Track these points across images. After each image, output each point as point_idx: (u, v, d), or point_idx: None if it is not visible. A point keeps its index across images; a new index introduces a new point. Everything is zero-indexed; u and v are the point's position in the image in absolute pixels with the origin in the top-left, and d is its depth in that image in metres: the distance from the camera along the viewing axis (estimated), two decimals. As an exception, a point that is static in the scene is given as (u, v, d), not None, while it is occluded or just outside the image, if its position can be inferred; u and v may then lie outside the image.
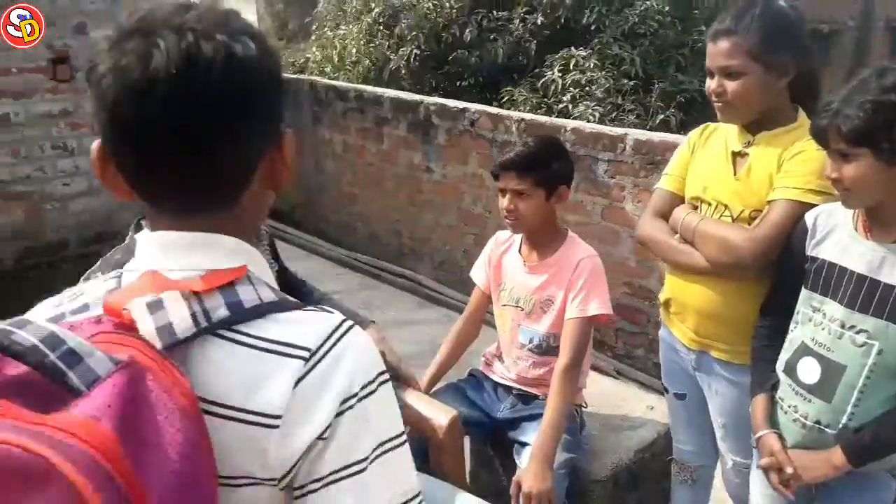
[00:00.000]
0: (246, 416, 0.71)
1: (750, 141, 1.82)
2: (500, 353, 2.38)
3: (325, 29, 7.93)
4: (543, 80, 6.31)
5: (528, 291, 2.24)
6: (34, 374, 0.61)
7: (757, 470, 1.76)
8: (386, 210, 4.96)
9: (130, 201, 0.78)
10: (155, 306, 0.70)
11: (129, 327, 0.69)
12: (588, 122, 5.48)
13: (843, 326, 1.56)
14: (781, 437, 1.68)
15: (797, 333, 1.67)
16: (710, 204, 1.85)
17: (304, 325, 0.75)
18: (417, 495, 0.76)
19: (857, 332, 1.54)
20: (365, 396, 0.74)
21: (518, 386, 2.30)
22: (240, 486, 0.73)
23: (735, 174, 1.82)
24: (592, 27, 6.55)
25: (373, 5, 7.23)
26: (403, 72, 6.86)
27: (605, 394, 2.64)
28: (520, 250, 2.30)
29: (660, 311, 2.10)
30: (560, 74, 6.24)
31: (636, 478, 2.31)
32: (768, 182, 1.76)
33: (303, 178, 5.63)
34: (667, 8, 6.04)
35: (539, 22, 6.58)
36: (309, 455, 0.71)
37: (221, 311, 0.72)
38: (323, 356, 0.73)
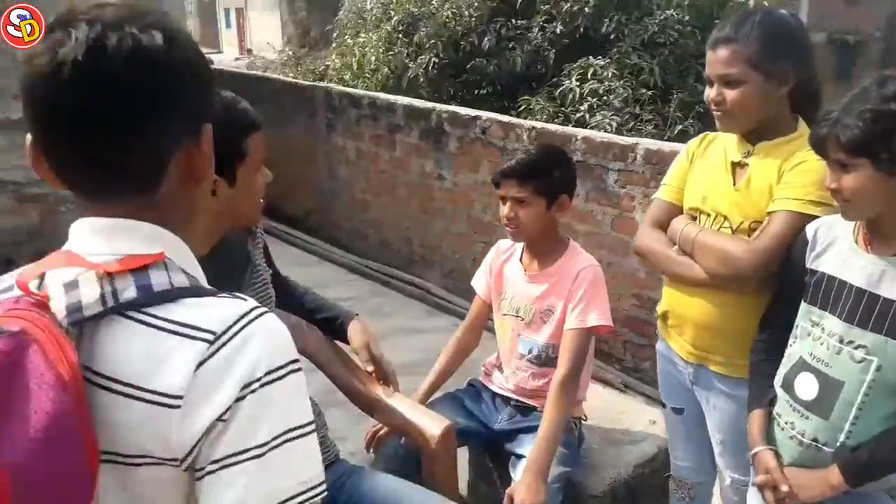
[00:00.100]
0: (147, 396, 0.73)
1: (749, 151, 1.78)
2: (500, 364, 2.36)
3: (346, 37, 7.99)
4: (561, 89, 6.29)
5: (528, 301, 2.22)
6: None
7: (753, 487, 1.72)
8: (397, 217, 4.96)
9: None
10: (71, 286, 0.75)
11: (43, 305, 0.73)
12: (605, 131, 5.46)
13: (841, 341, 1.52)
14: (778, 455, 1.64)
15: (795, 348, 1.63)
16: (709, 215, 1.82)
17: (211, 310, 0.77)
18: (320, 484, 0.77)
19: (856, 348, 1.50)
20: (269, 382, 0.75)
21: (516, 397, 2.28)
22: (140, 464, 0.75)
23: (734, 185, 1.79)
24: (611, 36, 6.53)
25: (392, 13, 7.26)
26: (422, 80, 6.88)
27: (607, 407, 2.60)
28: (521, 259, 2.28)
29: (657, 323, 2.06)
30: (578, 83, 6.22)
31: (635, 493, 2.27)
32: (768, 193, 1.72)
33: (316, 185, 5.65)
34: (687, 17, 6.00)
35: (558, 31, 6.57)
36: (209, 437, 0.73)
37: (129, 293, 0.75)
38: (228, 340, 0.74)
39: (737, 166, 1.80)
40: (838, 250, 1.57)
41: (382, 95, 5.29)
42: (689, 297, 1.87)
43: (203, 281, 0.85)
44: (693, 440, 2.05)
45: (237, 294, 0.81)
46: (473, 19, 6.79)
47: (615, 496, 2.22)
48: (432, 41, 6.84)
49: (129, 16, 0.77)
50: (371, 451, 2.17)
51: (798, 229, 1.65)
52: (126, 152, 0.77)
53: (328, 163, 5.49)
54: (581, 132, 3.78)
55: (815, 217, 1.64)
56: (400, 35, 7.13)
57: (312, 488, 0.77)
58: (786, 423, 1.62)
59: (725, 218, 1.79)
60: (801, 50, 1.75)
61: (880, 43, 11.45)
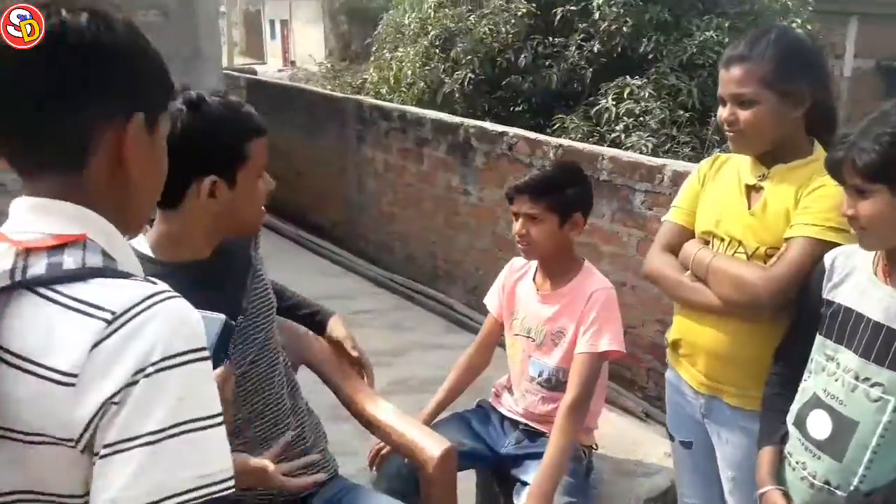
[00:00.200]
0: (42, 371, 0.73)
1: (764, 174, 1.72)
2: (511, 385, 2.31)
3: (384, 51, 8.06)
4: (597, 108, 6.24)
5: (539, 322, 2.17)
6: None
7: (762, 529, 1.63)
8: (423, 231, 4.95)
9: None
10: None
11: None
12: (641, 152, 5.38)
13: (857, 378, 1.44)
14: (787, 495, 1.55)
15: (810, 383, 1.55)
16: (722, 239, 1.75)
17: (116, 290, 0.77)
18: (226, 480, 0.76)
19: (872, 386, 1.41)
20: (166, 368, 0.73)
21: (525, 421, 2.22)
22: (35, 443, 0.74)
23: (749, 209, 1.72)
24: (650, 56, 6.48)
25: (429, 28, 7.31)
26: (457, 95, 6.90)
27: (621, 436, 2.51)
28: (534, 278, 2.23)
29: (666, 352, 1.99)
30: (614, 103, 6.17)
31: (644, 527, 2.19)
32: (785, 218, 1.66)
33: (345, 196, 5.67)
34: (727, 39, 5.91)
35: (595, 49, 6.55)
36: (103, 420, 0.72)
37: (37, 270, 0.77)
38: (127, 321, 0.74)
39: (751, 189, 1.74)
40: (856, 281, 1.50)
41: (412, 109, 5.30)
42: (701, 325, 1.80)
43: (133, 266, 0.85)
44: (701, 475, 1.96)
45: (152, 279, 0.81)
46: (510, 36, 6.80)
47: (623, 529, 2.14)
48: (468, 57, 6.86)
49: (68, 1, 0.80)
50: (374, 468, 2.14)
51: (817, 257, 1.58)
52: (43, 127, 0.80)
53: (357, 174, 5.51)
54: (608, 151, 3.72)
55: (835, 244, 1.57)
56: (437, 50, 7.17)
57: (216, 483, 0.75)
58: (797, 463, 1.54)
59: (740, 243, 1.72)
60: (816, 70, 1.70)
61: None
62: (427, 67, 7.14)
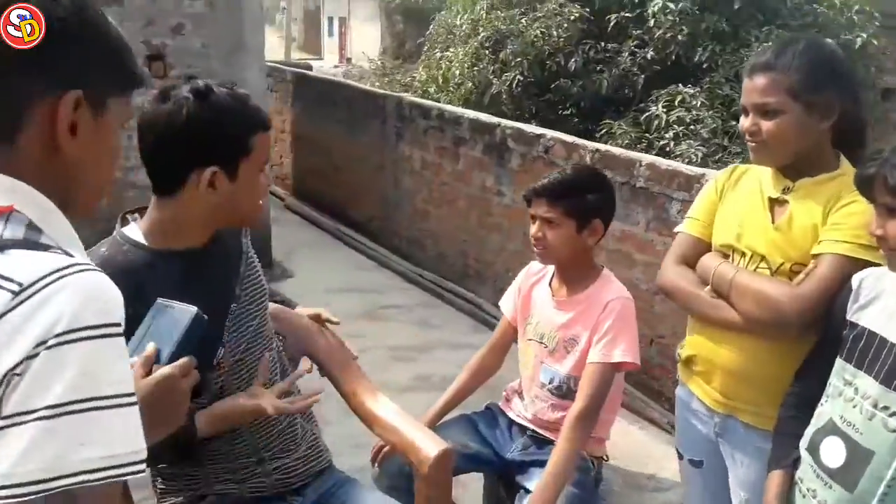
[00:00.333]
0: None
1: (789, 187, 1.63)
2: (521, 390, 2.26)
3: (435, 50, 8.07)
4: (647, 115, 6.14)
5: (553, 328, 2.12)
6: None
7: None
8: (455, 230, 4.91)
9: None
10: None
11: None
12: (690, 161, 5.25)
13: (875, 406, 1.34)
14: (794, 523, 1.46)
15: (826, 408, 1.46)
16: (743, 254, 1.67)
17: (29, 262, 0.75)
18: (136, 463, 0.73)
19: (891, 415, 1.32)
20: (70, 341, 0.71)
21: (533, 427, 2.18)
22: None
23: (774, 223, 1.63)
24: (704, 66, 6.36)
25: (480, 30, 7.31)
26: (504, 97, 6.87)
27: (637, 448, 2.44)
28: (550, 283, 2.18)
29: (678, 368, 1.89)
30: (664, 110, 6.07)
31: (651, 545, 2.11)
32: (812, 233, 1.57)
33: (381, 192, 5.66)
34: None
35: (649, 56, 6.45)
36: (5, 392, 0.70)
37: None
38: (34, 293, 0.72)
39: (775, 203, 1.65)
40: (884, 305, 1.40)
41: (450, 107, 5.27)
42: (719, 341, 1.71)
43: (66, 240, 0.83)
44: (711, 496, 1.87)
45: (69, 251, 0.79)
46: (562, 40, 6.75)
47: (629, 545, 2.07)
48: (518, 59, 6.83)
49: None
50: (376, 465, 2.11)
51: (847, 275, 1.50)
52: None
53: (394, 171, 5.50)
54: (646, 158, 3.62)
55: (867, 262, 1.49)
56: (487, 51, 7.16)
57: (123, 465, 0.72)
58: (807, 490, 1.46)
59: (763, 258, 1.64)
60: (845, 81, 1.62)
61: None
62: (476, 68, 7.13)
